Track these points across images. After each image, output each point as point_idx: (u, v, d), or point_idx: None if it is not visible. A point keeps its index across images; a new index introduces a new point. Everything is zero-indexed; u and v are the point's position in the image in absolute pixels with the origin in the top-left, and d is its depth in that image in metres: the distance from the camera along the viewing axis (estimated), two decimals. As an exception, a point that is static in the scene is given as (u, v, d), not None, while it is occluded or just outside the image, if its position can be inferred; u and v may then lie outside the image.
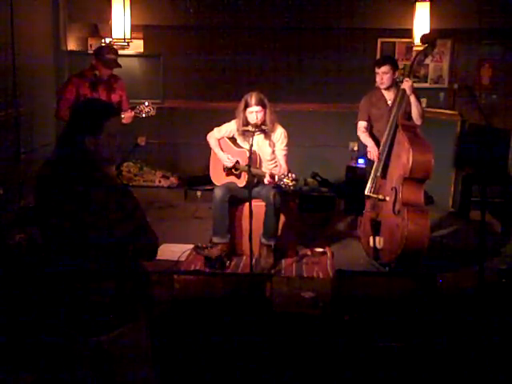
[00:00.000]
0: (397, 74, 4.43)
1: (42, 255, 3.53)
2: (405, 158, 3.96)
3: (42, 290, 2.86)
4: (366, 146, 4.44)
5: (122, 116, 4.54)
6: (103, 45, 5.02)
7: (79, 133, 2.12)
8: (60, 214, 2.04)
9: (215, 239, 4.27)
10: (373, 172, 4.22)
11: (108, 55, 4.53)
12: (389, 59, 4.49)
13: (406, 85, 4.17)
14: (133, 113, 4.61)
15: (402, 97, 4.19)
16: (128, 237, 2.07)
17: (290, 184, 3.78)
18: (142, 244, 2.12)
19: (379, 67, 4.36)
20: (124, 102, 4.75)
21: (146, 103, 4.69)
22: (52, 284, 2.15)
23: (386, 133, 4.17)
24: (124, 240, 2.06)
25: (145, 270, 2.20)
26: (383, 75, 4.35)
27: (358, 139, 4.70)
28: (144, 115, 4.66)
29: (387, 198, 4.09)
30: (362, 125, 4.52)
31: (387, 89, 4.41)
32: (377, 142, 4.38)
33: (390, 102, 4.43)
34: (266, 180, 4.02)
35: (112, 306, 2.06)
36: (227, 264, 4.17)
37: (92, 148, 2.10)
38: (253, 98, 4.14)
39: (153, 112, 4.70)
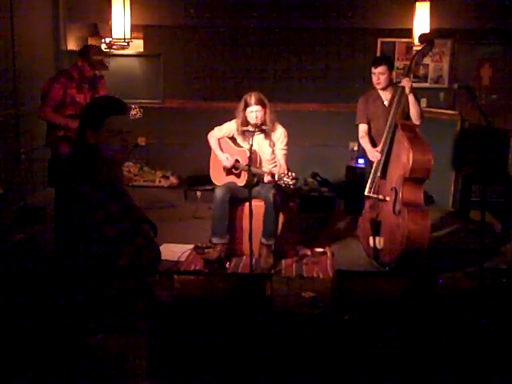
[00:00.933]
0: (393, 74, 4.44)
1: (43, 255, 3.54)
2: (405, 158, 3.96)
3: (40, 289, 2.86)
4: None
5: None
6: (89, 45, 4.93)
7: (83, 127, 2.13)
8: (65, 209, 2.04)
9: (214, 240, 4.27)
10: (372, 172, 4.22)
11: (95, 56, 4.43)
12: (385, 59, 4.49)
13: (406, 84, 4.16)
14: None
15: (400, 96, 4.18)
16: (111, 241, 2.04)
17: (290, 182, 3.78)
18: (132, 253, 2.08)
19: (375, 67, 4.36)
20: None
21: (133, 106, 4.64)
22: (48, 283, 2.15)
23: (386, 133, 4.17)
24: (108, 242, 2.03)
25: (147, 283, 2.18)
26: (380, 75, 4.35)
27: (358, 140, 4.71)
28: (131, 118, 4.58)
29: (387, 198, 4.09)
30: (362, 129, 4.51)
31: (384, 89, 4.41)
32: (375, 143, 4.39)
33: (386, 102, 4.43)
34: (266, 179, 4.03)
35: (96, 308, 2.04)
36: (227, 265, 4.17)
37: (93, 142, 2.10)
38: (252, 98, 4.15)
39: (140, 115, 4.61)
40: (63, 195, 2.08)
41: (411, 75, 4.29)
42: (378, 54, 6.55)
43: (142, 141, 6.50)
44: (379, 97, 4.46)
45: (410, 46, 6.40)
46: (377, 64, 4.37)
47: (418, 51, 4.39)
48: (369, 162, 4.45)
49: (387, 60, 4.48)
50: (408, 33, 6.19)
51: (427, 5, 6.01)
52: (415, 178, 3.96)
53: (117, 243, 2.06)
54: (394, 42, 6.62)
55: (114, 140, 2.15)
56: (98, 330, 2.04)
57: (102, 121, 2.14)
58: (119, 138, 2.17)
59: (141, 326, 2.14)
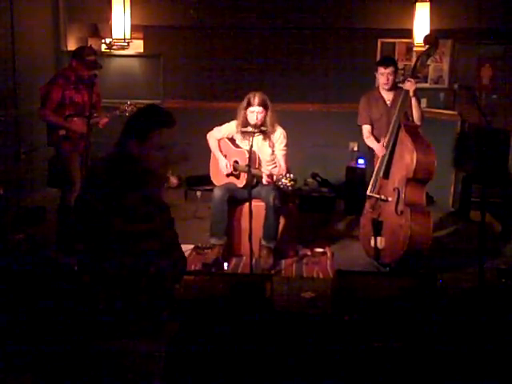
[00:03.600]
0: (397, 75, 4.46)
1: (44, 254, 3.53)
2: (408, 158, 3.96)
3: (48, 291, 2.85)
4: (372, 150, 4.45)
5: (98, 120, 4.53)
6: (82, 46, 4.97)
7: (126, 135, 2.10)
8: (96, 210, 2.00)
9: (212, 240, 4.26)
10: (375, 172, 4.22)
11: (88, 57, 4.45)
12: (393, 60, 4.56)
13: (410, 86, 4.16)
14: (107, 119, 4.59)
15: (405, 98, 4.18)
16: (151, 254, 2.00)
17: (288, 184, 3.78)
18: (167, 265, 2.05)
19: (386, 68, 4.37)
20: (99, 102, 4.71)
21: (129, 102, 4.70)
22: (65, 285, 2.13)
23: (389, 133, 4.16)
24: (147, 256, 2.00)
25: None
26: (389, 76, 4.37)
27: (359, 140, 4.72)
28: (128, 114, 4.61)
29: (389, 199, 4.09)
30: (366, 129, 4.52)
31: (388, 89, 4.42)
32: (378, 141, 4.40)
33: (388, 103, 4.43)
34: (265, 180, 4.02)
35: (119, 314, 2.03)
36: (225, 267, 4.15)
37: (136, 152, 2.05)
38: (256, 98, 4.14)
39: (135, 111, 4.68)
40: (100, 205, 2.03)
41: (415, 76, 4.27)
42: (378, 54, 6.54)
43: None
44: (381, 97, 4.47)
45: (410, 46, 6.40)
46: (387, 64, 4.39)
47: (422, 52, 4.37)
48: (369, 163, 4.46)
49: (394, 61, 4.56)
50: (408, 33, 6.18)
51: (427, 5, 6.01)
52: (418, 178, 3.97)
53: (155, 256, 2.04)
54: (394, 43, 6.62)
55: (157, 154, 2.11)
56: (121, 336, 2.03)
57: (149, 134, 2.09)
58: (162, 152, 2.13)
59: (164, 333, 2.12)
